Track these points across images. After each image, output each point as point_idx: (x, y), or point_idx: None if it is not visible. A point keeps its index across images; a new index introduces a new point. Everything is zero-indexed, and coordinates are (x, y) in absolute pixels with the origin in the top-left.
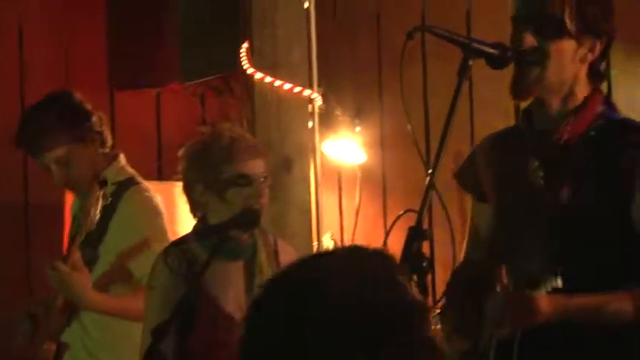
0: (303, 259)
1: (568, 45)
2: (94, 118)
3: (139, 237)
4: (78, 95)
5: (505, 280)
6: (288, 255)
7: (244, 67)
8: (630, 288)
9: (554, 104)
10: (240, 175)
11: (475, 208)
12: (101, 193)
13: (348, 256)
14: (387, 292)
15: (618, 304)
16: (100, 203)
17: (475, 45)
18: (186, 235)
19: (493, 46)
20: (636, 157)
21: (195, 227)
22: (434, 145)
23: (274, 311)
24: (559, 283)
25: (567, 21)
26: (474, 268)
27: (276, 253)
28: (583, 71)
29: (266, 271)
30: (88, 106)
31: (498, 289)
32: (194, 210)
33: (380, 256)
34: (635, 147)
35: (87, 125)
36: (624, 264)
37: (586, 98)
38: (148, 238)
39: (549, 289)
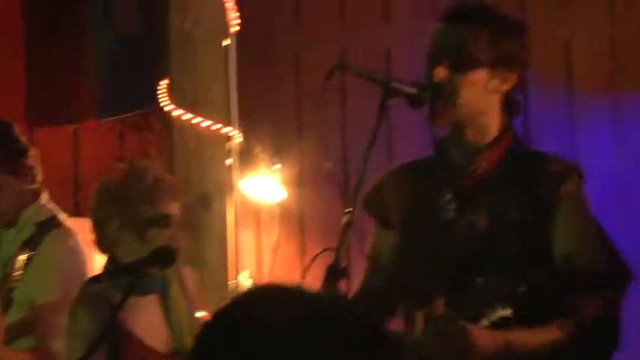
0: (226, 307)
1: (480, 76)
2: (30, 153)
3: (53, 293)
4: (17, 128)
5: (441, 311)
6: (190, 279)
7: (163, 104)
8: (554, 318)
9: (469, 137)
10: (162, 216)
11: (378, 234)
12: (26, 257)
13: (267, 290)
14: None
15: (551, 334)
16: (23, 264)
17: (394, 84)
18: (100, 275)
19: (412, 85)
20: (556, 184)
21: (107, 265)
22: (353, 183)
23: None
24: (507, 312)
25: (478, 53)
26: (374, 295)
27: (182, 281)
28: (497, 102)
29: (179, 302)
30: (25, 141)
31: (420, 319)
32: (102, 245)
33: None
34: (555, 178)
35: (22, 159)
36: (548, 292)
37: (499, 133)
38: (62, 298)
39: (495, 320)
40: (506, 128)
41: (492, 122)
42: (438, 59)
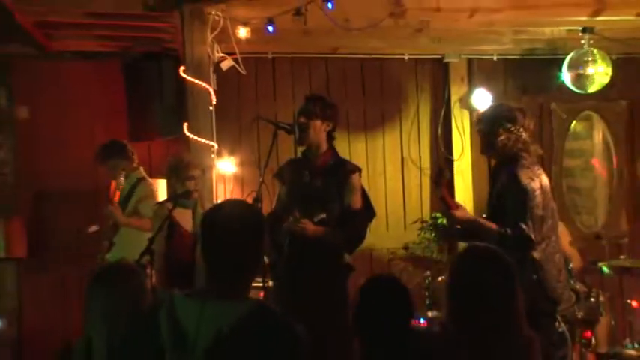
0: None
1: (319, 123)
2: (134, 152)
3: (143, 199)
4: (125, 141)
5: (298, 215)
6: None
7: (185, 132)
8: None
9: (314, 150)
10: (190, 176)
11: (280, 187)
12: (125, 182)
13: (234, 203)
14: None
15: (338, 235)
16: (126, 187)
17: (280, 124)
18: (165, 200)
19: (288, 125)
20: (348, 175)
21: (168, 195)
22: (262, 166)
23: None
24: (324, 215)
25: (317, 112)
26: (276, 213)
27: (202, 205)
28: (325, 135)
29: (199, 212)
30: (130, 147)
31: (292, 219)
32: (170, 188)
33: (243, 203)
34: (349, 171)
35: (130, 155)
36: (339, 217)
37: (326, 149)
38: (145, 199)
39: (319, 218)
40: (329, 147)
41: (323, 144)
42: (301, 114)
